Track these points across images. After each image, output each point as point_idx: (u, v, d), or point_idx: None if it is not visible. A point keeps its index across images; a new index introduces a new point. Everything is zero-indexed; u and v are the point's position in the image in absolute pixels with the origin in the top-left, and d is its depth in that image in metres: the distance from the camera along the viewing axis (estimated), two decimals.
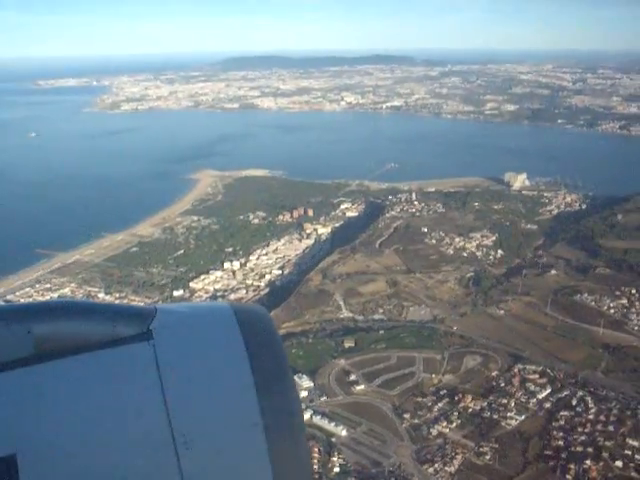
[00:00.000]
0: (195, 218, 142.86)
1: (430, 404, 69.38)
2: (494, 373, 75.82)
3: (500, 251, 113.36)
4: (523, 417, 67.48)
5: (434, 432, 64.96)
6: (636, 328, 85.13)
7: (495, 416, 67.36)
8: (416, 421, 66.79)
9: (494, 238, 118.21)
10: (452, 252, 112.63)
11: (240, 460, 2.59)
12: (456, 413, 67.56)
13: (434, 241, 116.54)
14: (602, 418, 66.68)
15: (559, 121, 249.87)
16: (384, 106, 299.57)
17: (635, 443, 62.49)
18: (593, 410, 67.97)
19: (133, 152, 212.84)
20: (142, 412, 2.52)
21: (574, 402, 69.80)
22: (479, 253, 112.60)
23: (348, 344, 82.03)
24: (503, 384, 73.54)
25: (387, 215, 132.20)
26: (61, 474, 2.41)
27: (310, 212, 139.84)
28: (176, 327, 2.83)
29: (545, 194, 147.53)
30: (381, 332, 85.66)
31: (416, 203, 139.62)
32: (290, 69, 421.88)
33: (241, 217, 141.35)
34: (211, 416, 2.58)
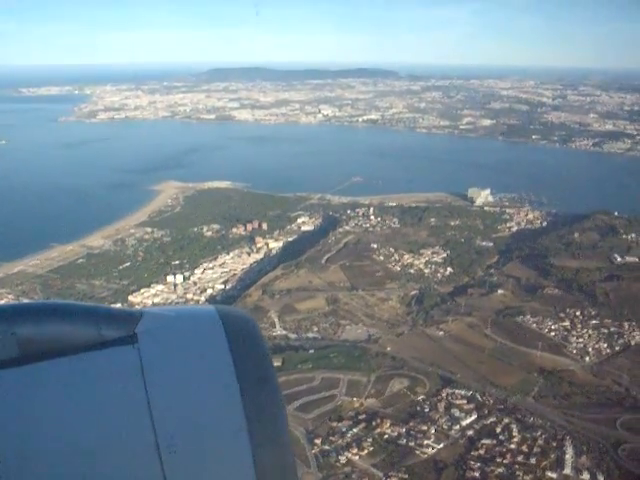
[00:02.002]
0: (149, 230, 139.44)
1: (345, 429, 65.75)
2: (420, 397, 72.25)
3: (449, 268, 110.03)
4: (441, 445, 63.91)
5: (343, 459, 61.22)
6: (574, 351, 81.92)
7: (411, 443, 63.76)
8: (327, 447, 63.09)
9: (445, 255, 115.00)
10: (399, 269, 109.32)
11: (224, 465, 2.61)
12: (370, 439, 64.02)
13: (382, 257, 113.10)
14: (525, 448, 63.34)
15: (534, 137, 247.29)
16: (360, 119, 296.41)
17: (554, 475, 59.30)
18: (516, 439, 64.55)
19: (100, 162, 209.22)
20: (126, 416, 2.53)
21: (498, 430, 66.45)
22: (427, 270, 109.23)
23: (275, 363, 77.22)
24: (427, 409, 69.99)
25: (339, 230, 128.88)
26: (44, 477, 2.42)
27: (264, 225, 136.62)
28: (161, 331, 2.81)
29: (507, 210, 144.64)
30: (311, 351, 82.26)
31: (372, 218, 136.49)
32: (273, 81, 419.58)
33: (195, 229, 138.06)
34: (195, 420, 2.58)
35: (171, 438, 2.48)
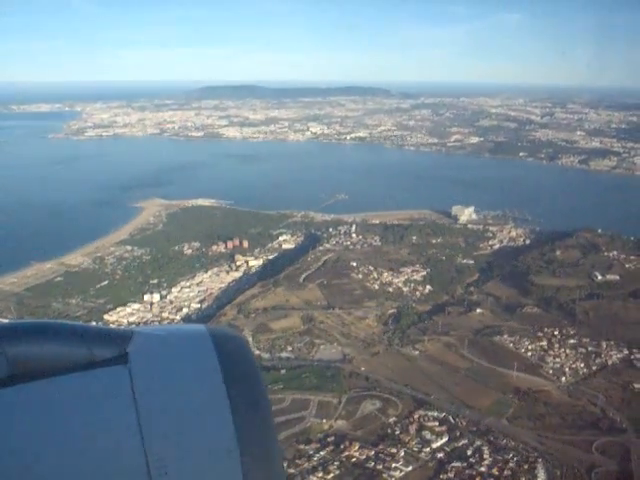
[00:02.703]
0: (129, 248, 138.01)
1: (312, 452, 64.18)
2: (391, 419, 70.78)
3: (429, 287, 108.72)
4: (410, 468, 62.34)
5: None
6: (551, 372, 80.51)
7: (379, 466, 62.19)
8: (292, 470, 61.42)
9: (424, 273, 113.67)
10: (377, 287, 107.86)
11: None
12: (337, 463, 62.37)
13: (361, 276, 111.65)
14: (495, 471, 61.78)
15: (521, 154, 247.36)
16: (348, 137, 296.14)
17: None
18: (487, 462, 63.04)
19: (86, 179, 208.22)
20: (117, 436, 2.52)
21: (469, 452, 64.93)
22: (406, 289, 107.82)
23: None
24: (398, 431, 68.46)
25: (320, 248, 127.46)
26: None
27: (245, 243, 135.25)
28: (152, 350, 2.80)
29: (491, 228, 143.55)
30: (283, 372, 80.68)
31: (354, 236, 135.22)
32: (264, 99, 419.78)
33: (175, 248, 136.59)
34: (186, 442, 2.56)
35: (162, 459, 2.45)
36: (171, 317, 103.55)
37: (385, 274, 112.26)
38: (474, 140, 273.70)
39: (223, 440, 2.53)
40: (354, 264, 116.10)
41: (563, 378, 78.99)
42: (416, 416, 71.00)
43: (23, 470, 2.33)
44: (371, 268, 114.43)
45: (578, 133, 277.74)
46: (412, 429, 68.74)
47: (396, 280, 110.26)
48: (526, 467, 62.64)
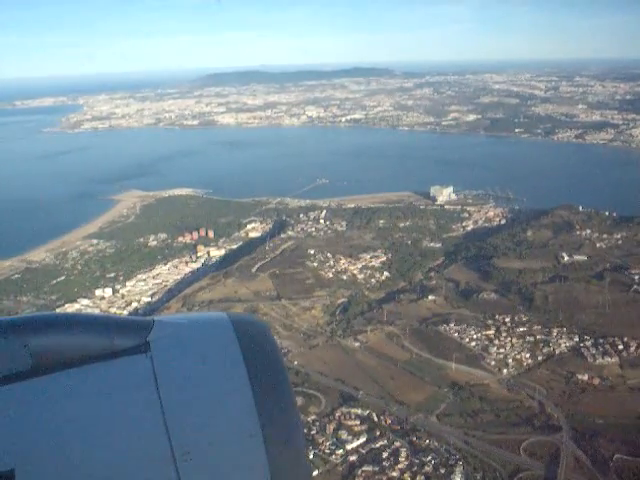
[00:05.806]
0: (95, 242, 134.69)
1: None
2: (311, 418, 66.20)
3: (386, 273, 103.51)
4: (316, 472, 57.86)
5: None
6: (493, 363, 75.27)
7: None
8: None
9: (385, 259, 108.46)
10: (332, 275, 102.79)
11: (239, 472, 2.64)
12: None
13: (316, 263, 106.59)
14: (407, 476, 57.08)
15: (516, 130, 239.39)
16: (343, 119, 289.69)
17: None
18: (401, 465, 58.34)
19: (69, 172, 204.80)
20: (140, 425, 2.57)
21: (385, 454, 60.24)
22: (361, 276, 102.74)
23: None
24: (314, 431, 63.98)
25: (282, 235, 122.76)
26: None
27: (211, 233, 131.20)
28: (173, 339, 2.85)
29: (468, 208, 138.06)
30: None
31: (322, 221, 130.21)
32: (267, 84, 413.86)
33: (141, 240, 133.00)
34: (210, 428, 2.60)
35: (186, 446, 2.49)
36: (119, 312, 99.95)
37: (342, 261, 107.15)
38: (471, 118, 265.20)
39: (246, 426, 2.54)
40: (312, 252, 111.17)
41: (505, 370, 73.76)
42: (338, 414, 66.51)
43: (49, 460, 2.35)
44: (329, 255, 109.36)
45: (579, 106, 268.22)
46: (330, 428, 64.29)
47: (352, 267, 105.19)
48: (443, 471, 57.86)
